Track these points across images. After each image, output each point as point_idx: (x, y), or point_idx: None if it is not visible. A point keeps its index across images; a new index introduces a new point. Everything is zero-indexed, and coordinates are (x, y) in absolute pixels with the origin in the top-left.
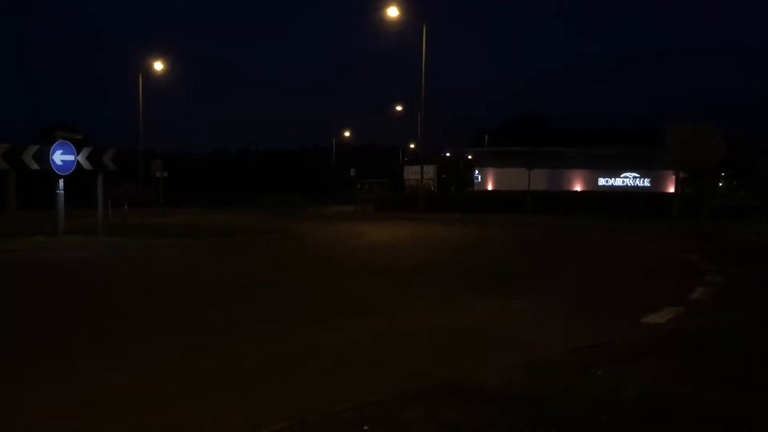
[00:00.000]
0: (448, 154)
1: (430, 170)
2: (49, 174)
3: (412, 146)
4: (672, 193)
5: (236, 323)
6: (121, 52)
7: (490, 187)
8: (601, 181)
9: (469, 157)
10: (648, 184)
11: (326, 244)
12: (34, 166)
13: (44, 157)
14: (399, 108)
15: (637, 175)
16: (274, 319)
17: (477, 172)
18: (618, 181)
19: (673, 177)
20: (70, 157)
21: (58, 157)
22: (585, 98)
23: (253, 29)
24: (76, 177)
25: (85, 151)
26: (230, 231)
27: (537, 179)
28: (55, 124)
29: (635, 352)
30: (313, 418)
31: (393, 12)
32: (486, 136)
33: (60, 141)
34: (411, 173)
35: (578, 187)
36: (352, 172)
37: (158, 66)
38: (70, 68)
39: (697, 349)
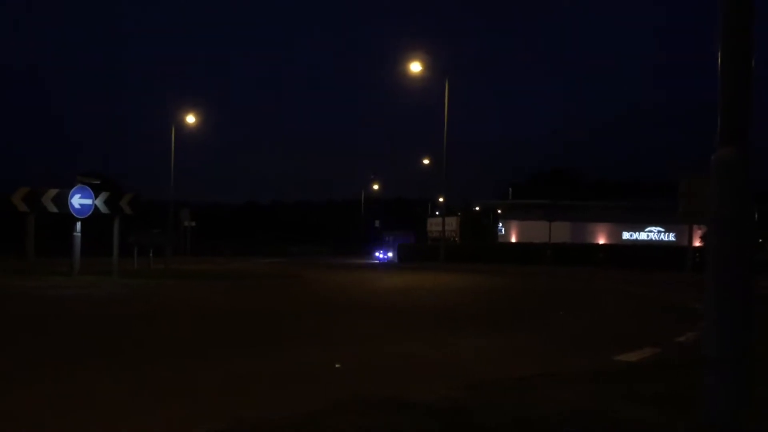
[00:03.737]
0: (477, 208)
1: (452, 222)
2: (67, 218)
3: (441, 200)
4: (687, 246)
5: (198, 347)
6: (157, 105)
7: (513, 240)
8: (626, 235)
9: (499, 211)
10: (673, 239)
11: (331, 287)
12: (53, 209)
13: (63, 201)
14: (426, 161)
15: (662, 230)
16: (244, 345)
17: (501, 224)
18: (642, 235)
19: (697, 231)
20: (88, 201)
21: (77, 200)
22: (621, 151)
23: (284, 82)
24: (97, 224)
25: (103, 196)
26: (241, 275)
27: (560, 232)
28: (83, 171)
29: (578, 378)
30: (247, 421)
31: (416, 67)
32: (510, 189)
33: (79, 185)
34: (434, 225)
35: (602, 240)
36: (377, 223)
37: (191, 119)
38: (114, 120)
39: (636, 377)
